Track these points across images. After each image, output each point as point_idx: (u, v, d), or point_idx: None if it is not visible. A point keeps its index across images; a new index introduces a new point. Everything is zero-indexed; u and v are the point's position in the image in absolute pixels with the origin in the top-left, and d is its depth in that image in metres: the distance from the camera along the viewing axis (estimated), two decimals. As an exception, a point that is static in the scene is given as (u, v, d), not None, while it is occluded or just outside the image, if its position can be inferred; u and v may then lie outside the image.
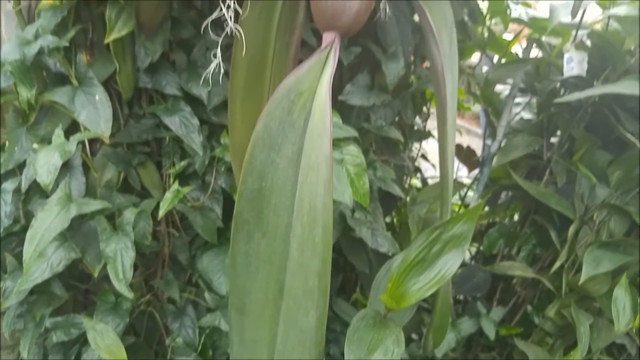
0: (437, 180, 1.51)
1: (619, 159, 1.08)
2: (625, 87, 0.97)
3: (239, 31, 0.54)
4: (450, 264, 0.66)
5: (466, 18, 1.24)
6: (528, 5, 1.24)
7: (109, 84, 0.92)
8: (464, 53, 1.35)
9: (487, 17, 1.31)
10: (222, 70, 0.69)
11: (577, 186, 1.09)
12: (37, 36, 0.77)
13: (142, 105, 0.97)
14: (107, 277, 0.85)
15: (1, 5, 0.89)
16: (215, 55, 0.55)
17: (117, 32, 0.81)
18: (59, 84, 0.87)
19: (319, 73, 0.55)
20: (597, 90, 1.03)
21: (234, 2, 0.53)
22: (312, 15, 0.57)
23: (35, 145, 0.84)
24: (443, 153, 0.68)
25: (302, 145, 0.56)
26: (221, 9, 0.53)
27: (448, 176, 0.70)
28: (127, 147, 0.96)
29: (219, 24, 0.97)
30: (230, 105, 0.71)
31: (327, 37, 0.54)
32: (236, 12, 0.57)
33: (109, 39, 0.82)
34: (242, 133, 0.74)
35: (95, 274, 0.88)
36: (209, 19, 0.55)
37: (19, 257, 0.87)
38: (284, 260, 0.58)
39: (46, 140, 0.85)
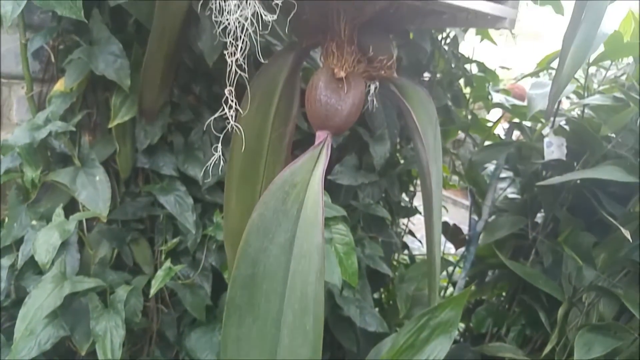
0: (425, 256, 1.54)
1: (603, 242, 1.11)
2: (605, 173, 1.02)
3: (238, 128, 0.59)
4: (438, 349, 0.67)
5: (450, 103, 1.32)
6: (507, 93, 1.32)
7: (108, 163, 0.95)
8: (448, 134, 1.42)
9: (470, 101, 1.39)
10: (220, 156, 0.72)
11: (563, 267, 1.11)
12: (47, 122, 0.81)
13: (139, 184, 1.00)
14: (93, 353, 0.84)
15: (14, 91, 0.94)
16: (216, 150, 0.59)
17: (120, 117, 0.86)
18: (62, 164, 0.90)
19: (312, 167, 0.59)
20: (578, 174, 1.08)
21: (235, 103, 0.57)
22: (307, 114, 0.62)
23: (34, 222, 0.86)
24: (430, 239, 0.71)
25: (295, 234, 0.59)
26: (223, 109, 0.57)
27: (435, 259, 0.72)
28: (121, 224, 0.98)
29: (216, 108, 1.04)
30: (226, 191, 0.74)
31: (320, 135, 0.59)
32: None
33: (113, 124, 0.87)
34: (236, 216, 0.77)
35: (83, 353, 0.87)
36: (211, 119, 0.59)
37: (7, 332, 0.86)
38: (274, 346, 0.59)
39: (45, 218, 0.87)
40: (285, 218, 0.59)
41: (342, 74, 0.59)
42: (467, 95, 1.39)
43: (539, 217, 1.31)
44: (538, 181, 1.19)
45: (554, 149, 1.20)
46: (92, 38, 0.86)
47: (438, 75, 1.32)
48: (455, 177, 1.55)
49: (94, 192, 0.84)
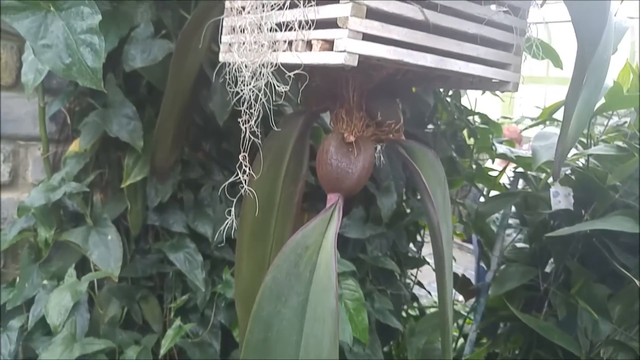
0: (435, 307, 1.52)
1: (618, 294, 1.10)
2: (614, 224, 1.02)
3: (251, 191, 0.60)
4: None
5: (454, 154, 1.34)
6: (511, 144, 1.34)
7: (118, 220, 0.96)
8: (453, 184, 1.43)
9: (474, 151, 1.41)
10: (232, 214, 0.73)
11: (579, 320, 1.09)
12: (62, 182, 0.83)
13: (149, 241, 1.01)
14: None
15: (30, 152, 0.96)
16: (229, 213, 0.60)
17: (132, 177, 0.88)
18: (74, 223, 0.91)
19: (324, 229, 0.59)
20: (587, 225, 1.08)
21: (249, 168, 0.59)
22: (318, 177, 0.63)
23: (45, 282, 0.86)
24: (442, 299, 0.70)
25: (308, 297, 0.59)
26: (237, 174, 0.59)
27: (448, 320, 0.72)
28: (131, 282, 0.98)
29: (225, 165, 1.05)
30: (238, 251, 0.75)
31: (332, 197, 0.60)
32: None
33: (126, 184, 0.88)
34: (247, 275, 0.77)
35: (90, 416, 0.85)
36: (226, 184, 0.61)
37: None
38: (288, 412, 0.58)
39: (56, 277, 0.87)
40: (298, 281, 0.59)
41: (352, 139, 0.61)
42: (471, 146, 1.41)
43: (549, 267, 1.30)
44: (546, 231, 1.19)
45: (560, 198, 1.20)
46: (106, 101, 0.89)
47: (442, 127, 1.35)
48: (460, 223, 1.55)
49: (106, 252, 0.84)
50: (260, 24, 0.59)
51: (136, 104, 0.90)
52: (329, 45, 0.51)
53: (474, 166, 1.41)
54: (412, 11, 0.52)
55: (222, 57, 0.70)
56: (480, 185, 1.44)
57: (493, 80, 0.62)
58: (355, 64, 0.49)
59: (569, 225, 1.10)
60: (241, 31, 0.63)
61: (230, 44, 0.67)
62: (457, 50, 0.56)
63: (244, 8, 0.64)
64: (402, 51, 0.52)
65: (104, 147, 0.96)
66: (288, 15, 0.55)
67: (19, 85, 0.90)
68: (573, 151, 1.37)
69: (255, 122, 0.60)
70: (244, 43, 0.61)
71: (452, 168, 1.32)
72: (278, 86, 0.57)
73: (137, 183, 0.92)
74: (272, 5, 0.57)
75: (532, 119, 1.45)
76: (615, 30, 0.94)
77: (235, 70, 0.61)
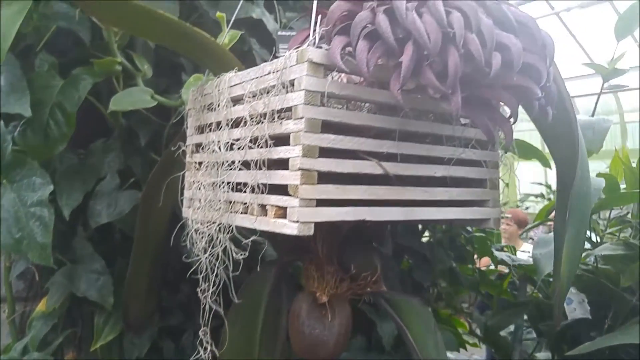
0: None
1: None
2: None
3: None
4: None
5: (454, 264, 1.26)
6: (512, 250, 1.27)
7: (93, 381, 0.88)
8: (457, 293, 1.34)
9: (475, 257, 1.34)
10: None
11: None
12: (24, 352, 0.77)
13: (127, 401, 0.91)
14: None
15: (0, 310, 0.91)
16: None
17: (103, 338, 0.81)
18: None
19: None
20: (608, 340, 0.98)
21: (211, 344, 0.52)
22: (291, 343, 0.56)
23: None
24: None
25: None
26: (198, 352, 0.52)
27: None
28: None
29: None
30: None
31: (306, 372, 0.53)
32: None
33: (96, 346, 0.81)
34: None
35: None
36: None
37: None
38: None
39: None
40: None
41: (325, 299, 0.55)
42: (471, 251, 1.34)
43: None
44: (565, 342, 1.09)
45: (575, 305, 1.11)
46: (75, 256, 0.84)
47: (438, 235, 1.29)
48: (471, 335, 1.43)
49: None
50: (215, 183, 0.55)
51: (108, 254, 0.85)
52: (283, 211, 0.46)
53: (476, 273, 1.33)
54: (370, 167, 0.48)
55: (184, 213, 0.66)
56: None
57: (471, 219, 0.57)
58: (312, 232, 0.45)
59: (589, 333, 1.00)
60: (198, 189, 0.60)
61: (191, 199, 0.64)
62: (425, 197, 0.52)
63: (200, 164, 0.61)
64: (362, 210, 0.47)
65: (75, 302, 0.90)
66: (242, 176, 0.52)
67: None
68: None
69: (215, 290, 0.55)
70: (200, 201, 0.58)
71: (454, 279, 1.25)
72: (236, 253, 0.52)
73: (110, 342, 0.85)
74: (227, 165, 0.54)
75: (535, 196, 1.38)
76: (597, 129, 0.92)
77: (193, 234, 0.56)
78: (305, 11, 1.02)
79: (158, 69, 0.84)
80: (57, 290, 0.83)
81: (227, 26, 0.67)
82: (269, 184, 0.48)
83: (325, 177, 0.46)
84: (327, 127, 0.46)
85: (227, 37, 0.70)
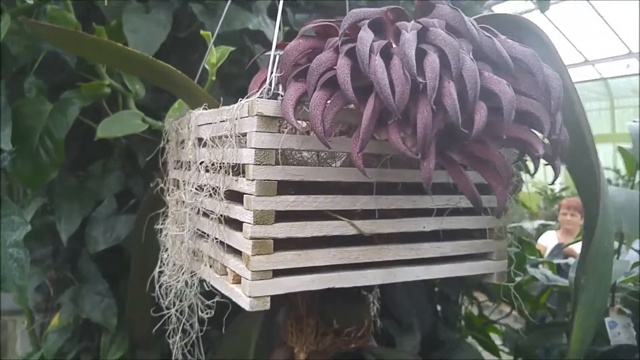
0: None
1: None
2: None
3: None
4: None
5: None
6: (552, 267, 1.16)
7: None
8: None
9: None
10: None
11: None
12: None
13: None
14: None
15: (19, 325, 0.93)
16: None
17: (110, 356, 0.81)
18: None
19: None
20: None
21: None
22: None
23: None
24: None
25: None
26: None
27: None
28: None
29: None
30: None
31: None
32: None
33: (101, 366, 0.81)
34: None
35: None
36: None
37: None
38: None
39: None
40: None
41: (303, 357, 0.50)
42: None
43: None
44: (609, 368, 0.99)
45: (619, 329, 1.01)
46: (82, 275, 0.84)
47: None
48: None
49: None
50: (184, 226, 0.51)
51: (115, 272, 0.85)
52: (240, 279, 0.42)
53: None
54: (340, 228, 0.42)
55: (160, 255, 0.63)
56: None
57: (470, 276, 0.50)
58: (268, 307, 0.40)
59: (635, 360, 0.90)
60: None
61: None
62: (411, 256, 0.45)
63: (177, 202, 0.57)
64: (330, 277, 0.42)
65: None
66: (206, 228, 0.47)
67: None
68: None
69: (188, 342, 0.51)
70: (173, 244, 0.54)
71: (485, 290, 1.16)
72: (202, 311, 0.48)
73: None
74: (193, 211, 0.50)
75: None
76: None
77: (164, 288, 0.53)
78: (318, 10, 0.95)
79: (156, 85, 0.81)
80: (67, 307, 0.84)
81: (211, 41, 0.62)
82: (226, 244, 0.43)
83: (287, 240, 0.40)
84: (288, 184, 0.40)
85: (216, 54, 0.64)
